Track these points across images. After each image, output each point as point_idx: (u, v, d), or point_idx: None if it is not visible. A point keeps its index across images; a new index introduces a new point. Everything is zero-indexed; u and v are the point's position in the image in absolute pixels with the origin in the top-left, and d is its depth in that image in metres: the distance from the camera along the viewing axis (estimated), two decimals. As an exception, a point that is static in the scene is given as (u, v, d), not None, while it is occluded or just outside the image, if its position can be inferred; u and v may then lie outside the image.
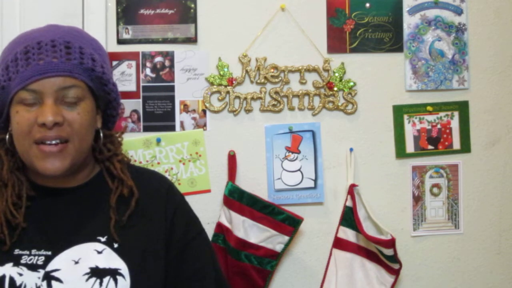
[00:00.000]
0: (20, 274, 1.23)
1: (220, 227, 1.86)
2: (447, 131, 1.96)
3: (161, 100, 1.88)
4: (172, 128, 1.89)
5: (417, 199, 1.96)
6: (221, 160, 1.90)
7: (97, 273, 1.24)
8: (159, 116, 1.88)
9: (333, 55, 1.93)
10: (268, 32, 1.91)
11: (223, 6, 1.90)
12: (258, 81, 1.90)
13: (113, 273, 1.25)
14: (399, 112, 1.95)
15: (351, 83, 1.92)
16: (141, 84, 1.88)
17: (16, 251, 1.26)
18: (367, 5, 1.94)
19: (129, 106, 1.88)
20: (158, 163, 1.88)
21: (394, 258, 1.85)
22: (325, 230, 1.94)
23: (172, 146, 1.88)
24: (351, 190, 1.90)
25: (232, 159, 1.88)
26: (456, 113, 1.97)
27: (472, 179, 1.99)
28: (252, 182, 1.90)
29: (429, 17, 1.95)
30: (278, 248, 1.85)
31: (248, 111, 1.91)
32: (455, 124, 1.97)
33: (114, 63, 1.87)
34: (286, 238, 1.85)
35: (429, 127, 1.96)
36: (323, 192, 1.92)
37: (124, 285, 1.25)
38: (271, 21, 1.91)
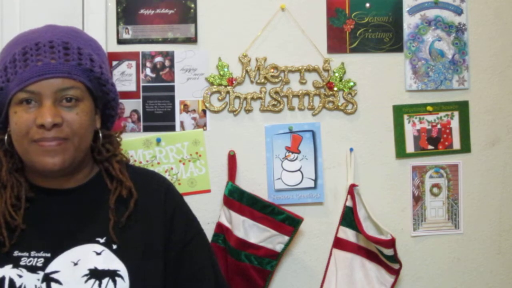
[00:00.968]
0: (20, 276, 1.23)
1: (220, 227, 1.86)
2: (447, 131, 1.96)
3: (161, 100, 1.88)
4: (172, 128, 1.89)
5: (417, 199, 1.96)
6: (221, 160, 1.90)
7: (96, 274, 1.25)
8: (159, 116, 1.89)
9: (333, 55, 1.93)
10: (268, 32, 1.91)
11: (223, 6, 1.90)
12: (258, 81, 1.90)
13: (112, 274, 1.25)
14: (399, 112, 1.95)
15: (351, 83, 1.92)
16: (141, 84, 1.88)
17: (16, 253, 1.26)
18: (367, 5, 1.93)
19: (129, 106, 1.88)
20: (158, 163, 1.88)
21: (394, 258, 1.85)
22: (325, 230, 1.94)
23: (172, 146, 1.89)
24: (351, 190, 1.90)
25: (232, 159, 1.88)
26: (456, 113, 1.97)
27: (472, 179, 1.98)
28: (252, 182, 1.90)
29: (429, 17, 1.95)
30: (278, 248, 1.85)
31: (248, 111, 1.91)
32: (455, 124, 1.96)
33: (114, 63, 1.87)
34: (286, 238, 1.85)
35: (429, 127, 1.96)
36: (323, 192, 1.92)
37: (123, 286, 1.25)
38: (271, 21, 1.91)
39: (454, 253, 1.98)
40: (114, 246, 1.29)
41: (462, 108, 1.97)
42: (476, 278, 1.99)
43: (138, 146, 1.87)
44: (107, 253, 1.28)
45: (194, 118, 1.89)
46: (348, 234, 1.91)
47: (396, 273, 1.88)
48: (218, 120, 1.90)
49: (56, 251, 1.26)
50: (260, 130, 1.91)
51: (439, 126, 1.96)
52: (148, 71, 1.88)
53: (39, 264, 1.24)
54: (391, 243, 1.82)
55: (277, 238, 1.85)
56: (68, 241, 1.28)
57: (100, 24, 1.85)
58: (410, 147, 1.95)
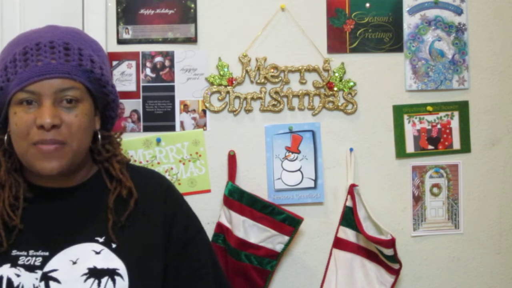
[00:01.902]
0: (18, 275, 1.23)
1: (220, 227, 1.86)
2: (447, 131, 1.96)
3: (161, 100, 1.89)
4: (172, 128, 1.89)
5: (417, 199, 1.96)
6: (221, 160, 1.90)
7: (95, 273, 1.25)
8: (159, 116, 1.89)
9: (333, 55, 1.93)
10: (268, 32, 1.91)
11: (223, 6, 1.90)
12: (258, 81, 1.90)
13: (111, 273, 1.25)
14: (399, 112, 1.95)
15: (351, 83, 1.92)
16: (141, 84, 1.88)
17: (14, 252, 1.26)
18: (367, 5, 1.93)
19: (129, 106, 1.88)
20: (158, 163, 1.88)
21: (394, 258, 1.85)
22: (325, 230, 1.94)
23: (172, 146, 1.89)
24: (351, 190, 1.90)
25: (232, 159, 1.88)
26: (456, 113, 1.97)
27: (472, 179, 1.98)
28: (252, 182, 1.90)
29: (429, 17, 1.95)
30: (278, 248, 1.86)
31: (248, 111, 1.91)
32: (455, 124, 1.96)
33: (114, 63, 1.87)
34: (286, 238, 1.85)
35: (429, 127, 1.96)
36: (323, 192, 1.93)
37: (122, 285, 1.25)
38: (271, 21, 1.91)
39: (454, 253, 1.98)
40: (114, 245, 1.29)
41: (462, 108, 1.97)
42: (476, 278, 1.99)
43: (138, 146, 1.87)
44: (106, 252, 1.28)
45: (194, 118, 1.89)
46: (348, 234, 1.91)
47: (396, 273, 1.88)
48: (218, 120, 1.90)
49: (55, 250, 1.26)
50: (260, 130, 1.91)
51: (439, 126, 1.96)
52: (148, 71, 1.88)
53: (37, 263, 1.24)
54: (391, 243, 1.82)
55: (277, 238, 1.85)
56: (67, 240, 1.28)
57: (100, 24, 1.85)
58: (410, 147, 1.95)
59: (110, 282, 1.25)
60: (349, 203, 1.91)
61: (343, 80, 1.92)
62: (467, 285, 1.99)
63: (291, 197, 1.91)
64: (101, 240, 1.29)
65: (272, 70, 1.90)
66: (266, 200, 1.87)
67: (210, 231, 1.85)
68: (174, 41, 1.89)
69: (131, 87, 1.88)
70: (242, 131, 1.91)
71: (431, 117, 1.96)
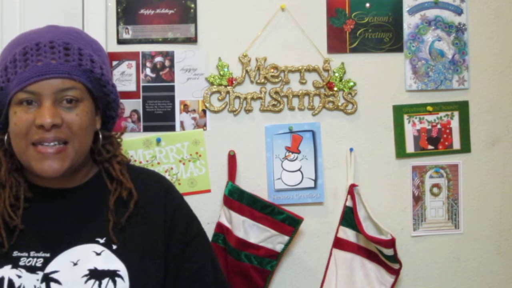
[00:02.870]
0: (19, 276, 1.23)
1: (220, 227, 1.86)
2: (447, 131, 1.96)
3: (161, 100, 1.88)
4: (172, 128, 1.89)
5: (417, 199, 1.96)
6: (221, 160, 1.90)
7: (95, 274, 1.24)
8: (159, 116, 1.89)
9: (333, 55, 1.93)
10: (268, 32, 1.91)
11: (223, 6, 1.90)
12: (258, 81, 1.90)
13: (112, 274, 1.25)
14: (399, 112, 1.95)
15: (351, 83, 1.92)
16: (141, 84, 1.88)
17: (15, 253, 1.26)
18: (367, 5, 1.93)
19: (129, 106, 1.88)
20: (158, 163, 1.88)
21: (394, 258, 1.85)
22: (325, 230, 1.94)
23: (172, 146, 1.89)
24: (351, 190, 1.90)
25: (232, 159, 1.88)
26: (456, 113, 1.97)
27: (472, 179, 1.98)
28: (252, 182, 1.90)
29: (429, 17, 1.95)
30: (278, 248, 1.86)
31: (248, 111, 1.91)
32: (455, 124, 1.96)
33: (114, 63, 1.87)
34: (286, 238, 1.85)
35: (429, 127, 1.96)
36: (323, 192, 1.93)
37: (123, 286, 1.25)
38: (271, 21, 1.91)
39: (454, 253, 1.98)
40: (114, 247, 1.29)
41: (462, 108, 1.97)
42: (476, 278, 1.99)
43: (138, 146, 1.87)
44: (107, 253, 1.28)
45: (194, 118, 1.89)
46: (348, 234, 1.91)
47: (396, 273, 1.88)
48: (218, 120, 1.90)
49: (56, 251, 1.26)
50: (260, 130, 1.91)
51: (439, 126, 1.96)
52: (148, 71, 1.88)
53: (38, 264, 1.24)
54: (391, 243, 1.82)
55: (277, 238, 1.85)
56: (68, 241, 1.28)
57: (100, 24, 1.85)
58: (410, 147, 1.95)
59: (110, 283, 1.24)
60: (349, 203, 1.91)
61: (343, 80, 1.92)
62: (467, 285, 1.99)
63: (291, 197, 1.91)
64: (101, 241, 1.29)
65: (272, 70, 1.90)
66: (266, 200, 1.87)
67: (210, 231, 1.85)
68: (174, 41, 1.89)
69: (131, 87, 1.88)
70: (242, 131, 1.91)
71: (431, 117, 1.96)
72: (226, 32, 1.90)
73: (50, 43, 1.25)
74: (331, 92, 1.92)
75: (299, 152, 1.92)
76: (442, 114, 1.96)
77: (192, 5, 1.89)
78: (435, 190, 1.97)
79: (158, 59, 1.88)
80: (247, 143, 1.91)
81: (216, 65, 1.89)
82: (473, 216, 1.99)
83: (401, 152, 1.95)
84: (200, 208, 1.81)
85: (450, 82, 1.96)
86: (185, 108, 1.89)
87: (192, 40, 1.89)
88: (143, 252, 1.32)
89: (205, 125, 1.90)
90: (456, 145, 1.97)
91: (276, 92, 1.90)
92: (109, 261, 1.27)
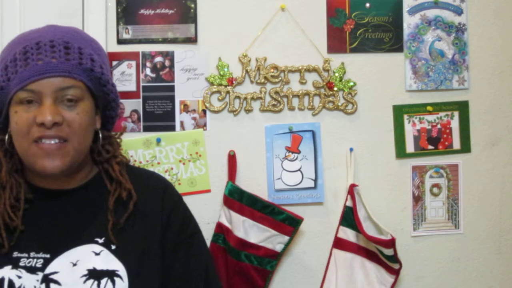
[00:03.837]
0: (19, 277, 1.23)
1: (220, 227, 1.86)
2: (447, 131, 1.96)
3: (161, 100, 1.88)
4: (172, 128, 1.89)
5: (417, 199, 1.96)
6: (221, 160, 1.90)
7: (94, 274, 1.25)
8: (159, 116, 1.88)
9: (333, 55, 1.93)
10: (268, 32, 1.91)
11: (223, 6, 1.90)
12: (258, 81, 1.90)
13: (111, 274, 1.25)
14: (399, 112, 1.95)
15: (351, 83, 1.92)
16: (141, 84, 1.88)
17: (15, 254, 1.26)
18: (367, 5, 1.93)
19: (129, 106, 1.88)
20: (158, 163, 1.88)
21: (394, 258, 1.85)
22: (325, 230, 1.94)
23: (172, 146, 1.89)
24: (351, 190, 1.90)
25: (232, 159, 1.88)
26: (456, 113, 1.97)
27: (472, 179, 1.98)
28: (252, 182, 1.90)
29: (429, 17, 1.95)
30: (278, 248, 1.85)
31: (248, 111, 1.91)
32: (455, 124, 1.97)
33: (114, 63, 1.87)
34: (286, 238, 1.85)
35: (429, 127, 1.96)
36: (323, 192, 1.92)
37: (122, 286, 1.25)
38: (271, 21, 1.91)
39: (454, 253, 1.98)
40: (113, 247, 1.29)
41: (462, 108, 1.97)
42: (476, 278, 1.99)
43: (138, 146, 1.87)
44: (106, 253, 1.28)
45: (194, 118, 1.89)
46: (348, 234, 1.91)
47: (396, 273, 1.88)
48: (218, 120, 1.90)
49: (56, 252, 1.27)
50: (260, 130, 1.91)
51: (439, 126, 1.96)
52: (148, 71, 1.88)
53: (38, 265, 1.25)
54: (391, 243, 1.82)
55: (277, 238, 1.85)
56: (67, 242, 1.28)
57: (100, 24, 1.85)
58: (410, 147, 1.95)
59: (109, 283, 1.25)
60: (349, 203, 1.91)
61: (343, 80, 1.92)
62: (467, 285, 1.99)
63: (291, 197, 1.91)
64: (100, 241, 1.29)
65: (272, 70, 1.90)
66: (266, 200, 1.86)
67: (210, 231, 1.85)
68: (174, 41, 1.89)
69: (131, 87, 1.88)
70: (242, 131, 1.91)
71: (431, 117, 1.96)
72: (226, 32, 1.90)
73: (50, 42, 1.25)
74: (331, 92, 1.92)
75: (299, 152, 1.92)
76: (442, 114, 1.96)
77: (192, 5, 1.89)
78: (435, 190, 1.97)
79: (158, 59, 1.88)
80: (247, 143, 1.91)
81: (216, 65, 1.89)
82: (473, 216, 1.99)
83: (401, 152, 1.95)
84: (200, 208, 1.81)
85: (450, 82, 1.96)
86: (185, 108, 1.89)
87: (192, 40, 1.89)
88: (142, 252, 1.32)
89: (205, 125, 1.90)
90: (456, 145, 1.97)
91: (276, 92, 1.90)
92: (108, 261, 1.27)
